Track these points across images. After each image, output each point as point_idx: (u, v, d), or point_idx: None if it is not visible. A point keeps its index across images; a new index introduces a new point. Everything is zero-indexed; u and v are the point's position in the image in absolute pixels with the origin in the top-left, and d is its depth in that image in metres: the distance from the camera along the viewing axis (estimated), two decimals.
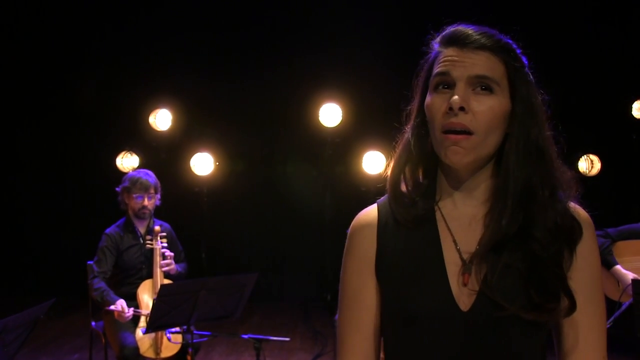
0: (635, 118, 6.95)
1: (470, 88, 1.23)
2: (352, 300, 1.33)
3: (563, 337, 1.29)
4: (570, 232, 1.26)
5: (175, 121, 7.19)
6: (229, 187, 7.45)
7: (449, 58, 1.25)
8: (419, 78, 1.34)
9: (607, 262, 4.11)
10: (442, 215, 1.31)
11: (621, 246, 4.20)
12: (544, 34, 6.75)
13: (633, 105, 6.94)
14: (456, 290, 1.25)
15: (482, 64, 1.23)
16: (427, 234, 1.30)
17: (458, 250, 1.28)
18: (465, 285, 1.25)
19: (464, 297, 1.24)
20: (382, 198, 1.40)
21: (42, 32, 7.59)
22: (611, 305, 3.89)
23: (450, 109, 1.21)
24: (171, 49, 7.46)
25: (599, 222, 4.16)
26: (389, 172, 1.36)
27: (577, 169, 7.08)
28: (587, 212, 1.31)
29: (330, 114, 6.95)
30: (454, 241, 1.29)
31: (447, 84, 1.24)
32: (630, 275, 4.01)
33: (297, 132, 7.39)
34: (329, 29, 7.10)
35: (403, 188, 1.33)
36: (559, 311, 1.22)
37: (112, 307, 3.87)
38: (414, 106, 1.35)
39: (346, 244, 1.37)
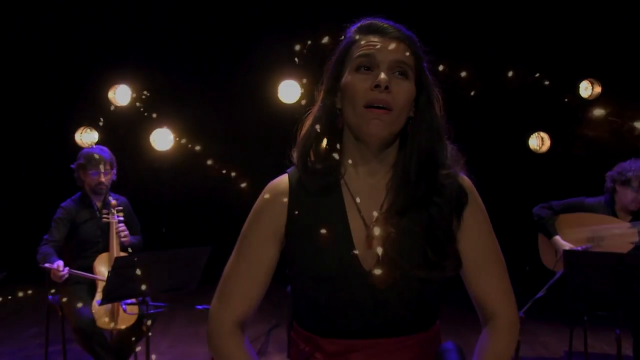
0: (582, 97, 7.20)
1: (390, 72, 1.38)
2: (251, 255, 1.47)
3: (474, 288, 1.49)
4: (459, 199, 1.45)
5: (135, 97, 7.18)
6: (189, 163, 7.49)
7: (372, 43, 1.41)
8: (331, 63, 1.49)
9: (548, 233, 4.38)
10: (347, 187, 1.46)
11: (562, 219, 4.43)
12: (494, 16, 6.91)
13: (580, 85, 7.18)
14: (362, 252, 1.41)
15: (402, 51, 1.41)
16: (334, 203, 1.45)
17: (362, 217, 1.43)
18: (369, 248, 1.40)
19: (368, 258, 1.40)
20: (290, 168, 1.54)
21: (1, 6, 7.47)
22: (548, 275, 4.15)
23: (377, 86, 1.36)
24: (131, 25, 7.42)
25: (548, 197, 4.37)
26: (298, 146, 1.51)
27: (528, 145, 7.32)
28: (471, 180, 1.51)
29: (289, 91, 7.01)
30: (358, 209, 1.44)
31: (368, 65, 1.40)
32: (567, 246, 4.26)
33: (257, 108, 7.44)
34: (285, 5, 7.14)
35: (311, 161, 1.47)
36: (449, 269, 1.40)
37: (47, 264, 3.86)
38: (324, 88, 1.49)
39: (256, 204, 1.51)
